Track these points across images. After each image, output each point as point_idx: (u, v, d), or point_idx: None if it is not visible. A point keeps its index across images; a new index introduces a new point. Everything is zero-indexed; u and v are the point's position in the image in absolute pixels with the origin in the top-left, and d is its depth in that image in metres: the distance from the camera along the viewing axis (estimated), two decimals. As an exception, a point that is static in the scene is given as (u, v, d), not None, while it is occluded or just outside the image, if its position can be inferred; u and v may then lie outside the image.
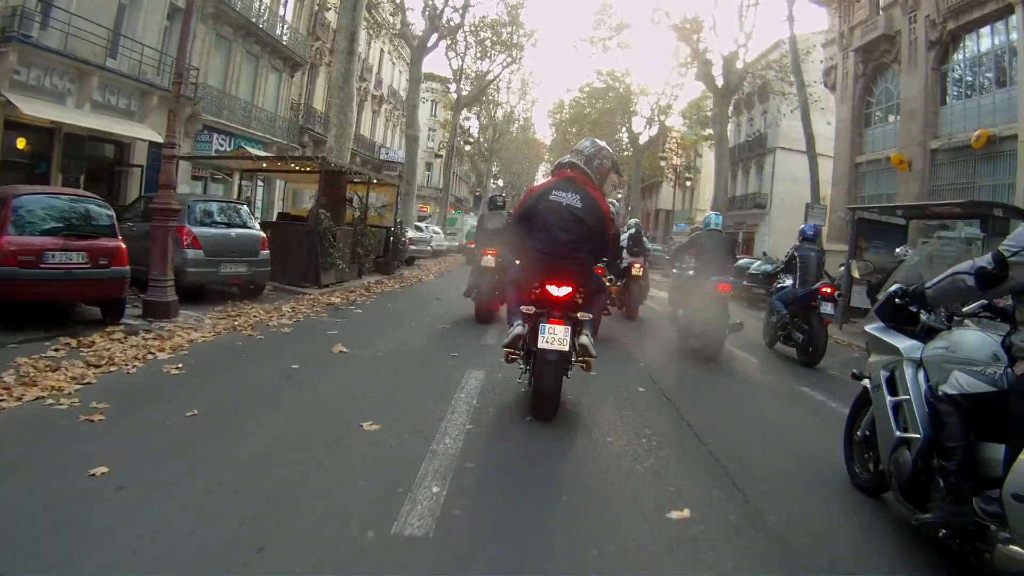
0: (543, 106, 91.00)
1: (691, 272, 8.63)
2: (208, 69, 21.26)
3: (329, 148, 15.63)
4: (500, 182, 63.32)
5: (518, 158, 60.13)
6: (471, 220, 40.85)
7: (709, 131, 39.81)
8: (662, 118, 41.51)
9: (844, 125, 25.80)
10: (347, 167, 13.77)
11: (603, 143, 5.03)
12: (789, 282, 8.80)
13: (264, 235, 10.38)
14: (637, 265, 10.96)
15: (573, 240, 4.43)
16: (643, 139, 42.07)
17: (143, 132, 18.02)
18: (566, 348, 4.28)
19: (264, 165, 13.75)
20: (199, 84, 20.42)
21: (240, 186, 18.37)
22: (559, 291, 4.36)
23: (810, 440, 5.01)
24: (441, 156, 34.01)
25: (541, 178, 78.29)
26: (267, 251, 10.31)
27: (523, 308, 4.42)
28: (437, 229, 29.47)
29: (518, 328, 4.38)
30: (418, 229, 25.79)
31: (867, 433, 3.71)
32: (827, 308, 8.15)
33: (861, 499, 3.69)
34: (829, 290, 8.21)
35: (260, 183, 24.69)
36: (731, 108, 43.99)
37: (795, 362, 8.50)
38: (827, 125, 36.56)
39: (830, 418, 5.47)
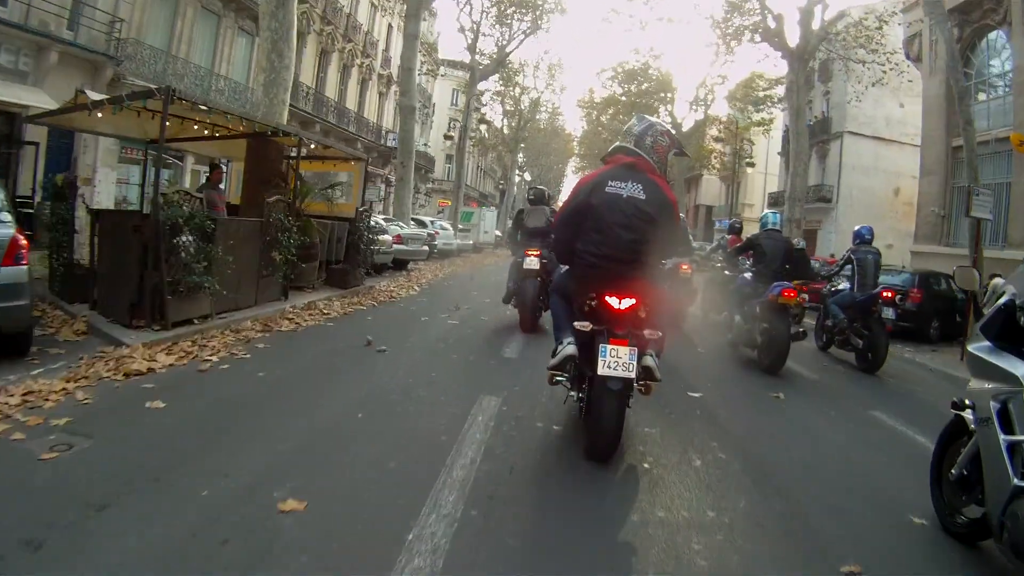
0: (572, 95, 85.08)
1: (748, 276, 7.65)
2: (144, 24, 16.06)
3: (256, 103, 10.12)
4: (527, 175, 57.62)
5: (546, 150, 54.35)
6: (490, 215, 35.37)
7: (761, 115, 34.16)
8: (710, 98, 35.53)
9: (935, 103, 20.50)
10: (270, 126, 8.09)
11: (654, 118, 3.96)
12: (844, 285, 8.26)
13: (15, 235, 4.92)
14: (685, 266, 9.25)
15: (637, 240, 3.53)
16: (686, 126, 36.13)
17: (37, 98, 12.85)
18: (632, 374, 3.40)
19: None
20: (125, 40, 15.21)
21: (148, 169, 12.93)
22: (621, 304, 3.48)
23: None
24: (452, 138, 28.15)
25: (571, 173, 73.03)
26: (20, 267, 4.91)
27: (578, 325, 3.52)
28: (446, 224, 23.81)
29: (569, 348, 3.55)
30: (419, 224, 20.26)
31: (964, 472, 2.96)
32: (888, 313, 8.13)
33: (956, 549, 2.97)
34: (890, 294, 8.08)
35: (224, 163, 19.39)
36: (784, 88, 38.14)
37: (854, 369, 7.76)
38: (900, 108, 30.84)
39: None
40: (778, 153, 38.62)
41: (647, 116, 4.01)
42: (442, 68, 44.51)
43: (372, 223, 13.36)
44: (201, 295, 6.51)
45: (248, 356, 5.48)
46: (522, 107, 40.59)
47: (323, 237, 10.21)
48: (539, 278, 7.50)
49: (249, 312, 7.36)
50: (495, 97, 40.08)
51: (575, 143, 58.00)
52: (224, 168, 8.87)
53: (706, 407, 4.80)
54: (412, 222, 19.94)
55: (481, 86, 32.52)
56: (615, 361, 3.35)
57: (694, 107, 36.51)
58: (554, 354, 3.66)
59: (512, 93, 38.78)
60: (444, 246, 21.73)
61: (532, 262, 7.48)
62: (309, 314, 7.72)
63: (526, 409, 4.19)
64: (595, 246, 3.58)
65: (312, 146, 9.15)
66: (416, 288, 11.73)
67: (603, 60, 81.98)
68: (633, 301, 3.49)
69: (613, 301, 3.48)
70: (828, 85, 31.88)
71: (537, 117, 45.02)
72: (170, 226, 6.16)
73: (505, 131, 43.14)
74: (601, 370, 3.34)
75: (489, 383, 4.75)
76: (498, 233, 34.81)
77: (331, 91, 25.09)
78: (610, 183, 3.61)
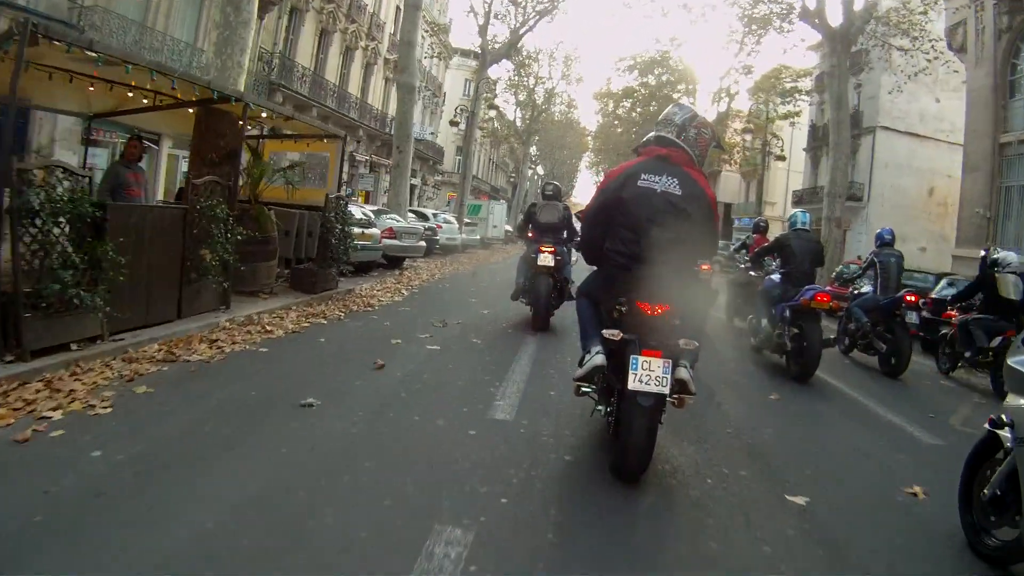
0: (588, 88, 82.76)
1: (776, 278, 7.17)
2: (113, -10, 14.20)
3: (207, 64, 8.28)
4: (540, 169, 55.58)
5: (559, 143, 52.19)
6: (500, 208, 33.29)
7: (788, 108, 32.00)
8: (734, 90, 33.33)
9: (981, 95, 18.77)
10: (196, 83, 6.17)
11: (695, 108, 3.67)
12: (867, 288, 8.03)
13: None
14: (705, 267, 8.36)
15: (672, 239, 3.13)
16: (708, 119, 33.69)
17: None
18: (666, 389, 3.00)
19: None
20: (91, 8, 13.38)
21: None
22: (654, 310, 3.09)
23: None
24: (457, 124, 26.13)
25: (585, 169, 70.40)
26: None
27: (607, 333, 3.14)
28: (450, 218, 21.87)
29: (597, 358, 3.19)
30: (420, 216, 18.39)
31: (998, 492, 2.74)
32: (912, 317, 7.80)
33: (986, 571, 2.67)
34: (913, 298, 7.65)
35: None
36: (812, 80, 36.05)
37: (879, 375, 7.42)
38: (935, 103, 28.91)
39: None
40: (803, 149, 36.46)
41: (687, 105, 3.77)
42: (455, 57, 42.49)
43: (360, 214, 11.54)
44: (78, 315, 4.64)
45: (108, 410, 3.58)
46: (536, 98, 38.53)
47: (286, 230, 8.34)
48: (551, 275, 7.27)
49: (166, 329, 5.50)
50: (508, 87, 38.21)
51: (589, 137, 55.97)
52: (144, 142, 7.01)
53: (827, 535, 2.83)
54: (411, 214, 18.10)
55: (493, 74, 30.65)
56: (647, 375, 2.99)
57: (717, 99, 34.42)
58: (581, 363, 3.36)
59: (525, 83, 36.76)
60: (447, 241, 19.81)
61: (546, 258, 7.18)
62: (246, 332, 5.82)
63: (518, 564, 2.24)
64: (626, 245, 3.27)
65: (264, 115, 7.20)
66: (404, 292, 9.79)
67: (621, 50, 79.15)
68: (667, 307, 3.12)
69: (646, 306, 3.12)
70: (860, 77, 29.68)
71: (552, 108, 42.95)
72: (31, 214, 4.30)
73: (518, 123, 41.15)
74: (632, 384, 2.98)
75: (457, 488, 2.74)
76: (508, 228, 32.79)
77: (331, 74, 23.18)
78: (643, 176, 3.28)
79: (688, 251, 3.28)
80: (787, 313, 6.57)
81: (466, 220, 24.66)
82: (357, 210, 11.78)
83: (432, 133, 35.65)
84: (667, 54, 34.29)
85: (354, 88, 25.27)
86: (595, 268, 3.67)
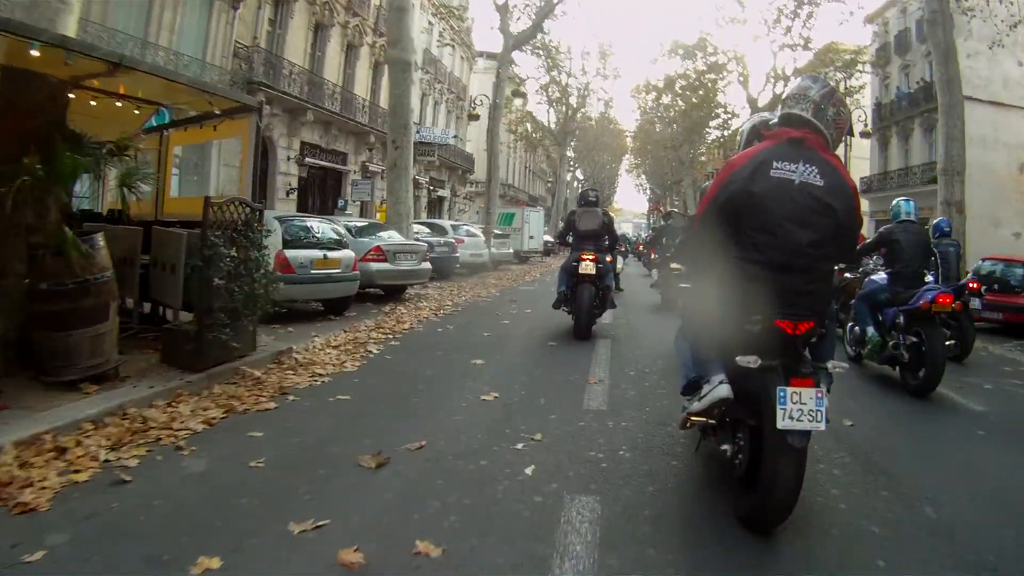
0: (624, 86, 79.88)
1: (880, 279, 6.47)
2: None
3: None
4: (579, 173, 52.02)
5: (597, 145, 48.57)
6: (536, 216, 29.65)
7: (851, 82, 27.96)
8: (789, 73, 29.29)
9: None
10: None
11: (830, 82, 3.23)
12: (928, 278, 7.36)
13: None
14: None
15: (816, 241, 2.59)
16: (762, 102, 29.93)
17: None
18: (822, 425, 2.48)
19: None
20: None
21: None
22: (797, 328, 2.55)
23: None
24: (477, 117, 22.80)
25: (625, 173, 66.02)
26: None
27: (741, 360, 2.55)
28: (474, 230, 18.38)
29: (721, 388, 2.72)
30: (437, 229, 15.06)
31: None
32: (975, 303, 7.94)
33: None
34: (975, 285, 7.97)
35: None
36: (874, 47, 32.05)
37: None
38: (1018, 66, 24.79)
39: None
40: (861, 133, 32.28)
41: (819, 76, 3.21)
42: (480, 60, 39.44)
43: (328, 230, 8.27)
44: None
45: None
46: (569, 97, 35.15)
47: (172, 263, 4.99)
48: (594, 283, 7.23)
49: None
50: (540, 89, 35.06)
51: (629, 138, 52.39)
52: None
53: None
54: (424, 227, 14.76)
55: (522, 72, 27.50)
56: (798, 409, 2.42)
57: (775, 79, 30.38)
58: (687, 390, 3.00)
59: (558, 79, 33.43)
60: (472, 258, 16.32)
61: (588, 266, 7.19)
62: None
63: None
64: (760, 251, 2.60)
65: (35, 53, 3.75)
66: (373, 349, 6.24)
67: (660, 39, 75.31)
68: (812, 323, 2.58)
69: (787, 325, 2.52)
70: (929, 44, 25.65)
71: (587, 105, 39.46)
72: None
73: (552, 124, 37.94)
74: (782, 422, 2.42)
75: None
76: (548, 238, 29.14)
77: (331, 74, 20.14)
78: (776, 164, 2.62)
79: (833, 255, 2.74)
80: (900, 319, 5.97)
81: (496, 231, 21.07)
82: (322, 225, 8.43)
83: (456, 137, 32.41)
84: (705, 40, 30.68)
85: (361, 90, 22.17)
86: (699, 277, 3.31)
